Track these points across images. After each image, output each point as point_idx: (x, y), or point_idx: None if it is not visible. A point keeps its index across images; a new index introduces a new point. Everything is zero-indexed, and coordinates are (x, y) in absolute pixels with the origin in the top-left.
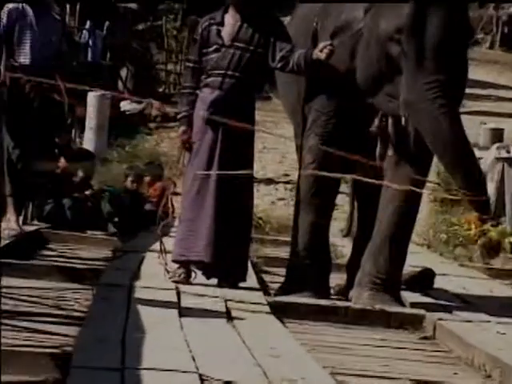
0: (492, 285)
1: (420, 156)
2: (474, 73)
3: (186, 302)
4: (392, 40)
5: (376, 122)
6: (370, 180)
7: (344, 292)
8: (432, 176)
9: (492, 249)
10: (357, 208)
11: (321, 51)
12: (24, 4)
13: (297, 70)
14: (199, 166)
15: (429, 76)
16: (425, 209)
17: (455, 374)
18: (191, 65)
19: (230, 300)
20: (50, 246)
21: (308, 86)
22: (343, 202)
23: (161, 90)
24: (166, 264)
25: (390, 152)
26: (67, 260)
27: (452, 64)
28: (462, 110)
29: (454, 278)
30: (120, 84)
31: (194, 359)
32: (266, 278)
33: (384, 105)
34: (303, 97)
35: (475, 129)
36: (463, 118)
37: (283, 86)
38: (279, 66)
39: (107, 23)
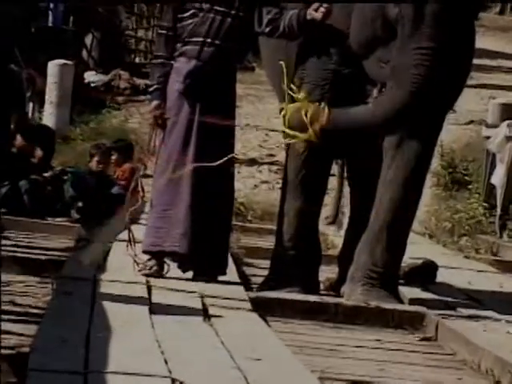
0: (501, 279)
1: (425, 133)
2: (482, 41)
3: (158, 297)
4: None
5: (375, 92)
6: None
7: (335, 287)
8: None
9: None
10: (350, 192)
11: (316, 11)
12: None
13: (288, 33)
14: (174, 145)
15: (420, 42)
16: (426, 194)
17: (460, 379)
18: (164, 31)
19: (207, 296)
20: (4, 233)
21: (300, 53)
22: (331, 184)
23: (130, 59)
24: (135, 255)
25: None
26: (24, 250)
27: (451, 34)
28: (468, 82)
29: (458, 271)
30: (84, 52)
31: (166, 362)
32: (248, 271)
33: (374, 70)
34: (294, 66)
35: (483, 104)
36: (470, 91)
37: (269, 54)
38: (267, 30)
39: None
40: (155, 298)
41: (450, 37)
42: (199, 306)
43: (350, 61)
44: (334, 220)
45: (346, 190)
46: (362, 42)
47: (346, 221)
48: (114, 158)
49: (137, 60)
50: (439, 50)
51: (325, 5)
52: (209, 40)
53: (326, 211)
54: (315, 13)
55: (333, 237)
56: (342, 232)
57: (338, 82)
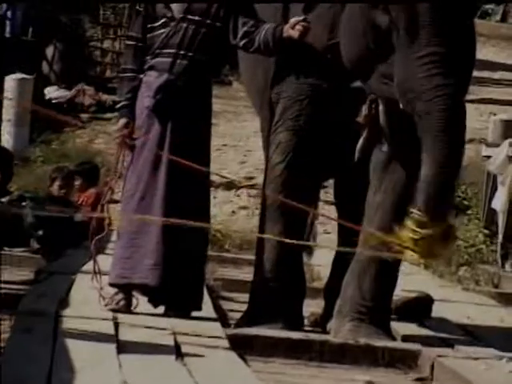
0: (503, 313)
1: (416, 153)
2: (482, 51)
3: (126, 334)
4: (377, 8)
5: (364, 110)
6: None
7: (321, 323)
8: None
9: None
10: (338, 217)
11: (292, 28)
12: None
13: (263, 49)
14: (143, 167)
15: (422, 48)
16: None
17: None
18: (133, 42)
19: (180, 333)
20: None
21: (277, 67)
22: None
23: (95, 72)
24: (101, 288)
25: (383, 147)
26: None
27: (453, 34)
28: (466, 97)
29: (456, 304)
30: (45, 65)
31: None
32: (225, 305)
33: (378, 88)
34: (271, 81)
35: (483, 120)
36: (468, 107)
37: (247, 68)
38: (242, 43)
39: None
40: (123, 336)
41: (452, 39)
42: (171, 343)
43: (330, 75)
44: (310, 252)
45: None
46: (357, 59)
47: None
48: (77, 182)
49: (103, 74)
50: (445, 55)
51: (303, 22)
52: (182, 52)
53: None
54: (292, 30)
55: (318, 267)
56: (322, 260)
57: (318, 98)
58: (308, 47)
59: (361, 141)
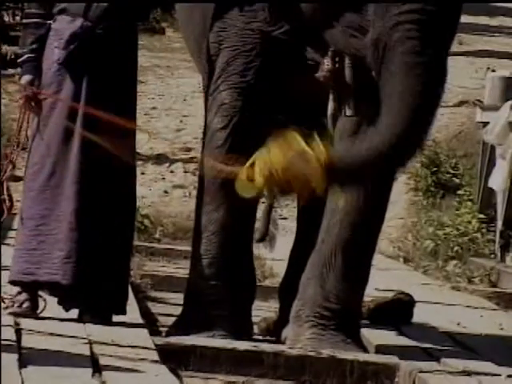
0: (502, 318)
1: None
2: None
3: (31, 344)
4: None
5: (326, 63)
6: None
7: (274, 330)
8: None
9: None
10: (297, 202)
11: None
12: None
13: None
14: (53, 134)
15: (404, 4)
16: (400, 201)
17: None
18: None
19: (98, 342)
20: None
21: (218, 7)
22: None
23: None
24: None
25: (347, 111)
26: None
27: None
28: (458, 49)
29: (443, 307)
30: None
31: None
32: (155, 308)
33: (342, 40)
34: (210, 25)
35: (478, 78)
36: (460, 61)
37: (183, 8)
38: None
39: None
40: (27, 345)
41: None
42: (87, 355)
43: (283, 19)
44: (264, 236)
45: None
46: (322, 5)
47: (281, 238)
48: None
49: (5, 18)
50: (430, 14)
51: None
52: None
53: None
54: None
55: (271, 261)
56: (277, 253)
57: (268, 48)
58: None
59: (330, 104)
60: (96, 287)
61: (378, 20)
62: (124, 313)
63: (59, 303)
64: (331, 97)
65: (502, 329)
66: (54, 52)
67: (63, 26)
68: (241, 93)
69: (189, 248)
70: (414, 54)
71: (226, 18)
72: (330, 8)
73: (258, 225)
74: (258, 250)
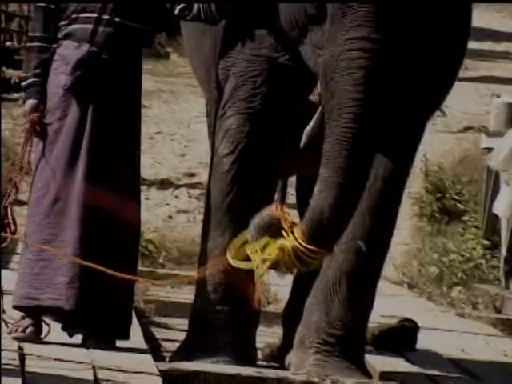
0: (506, 344)
1: (396, 146)
2: (483, 18)
3: (35, 369)
4: None
5: (318, 86)
6: None
7: (278, 356)
8: (417, 177)
9: None
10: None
11: None
12: None
13: (204, 16)
14: (58, 159)
15: (353, 28)
16: (405, 228)
17: None
18: (42, 4)
19: (102, 367)
20: None
21: (227, 35)
22: None
23: None
24: (3, 311)
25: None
26: None
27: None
28: (462, 74)
29: (448, 334)
30: None
31: None
32: (159, 333)
33: (312, 59)
34: (219, 52)
35: (483, 104)
36: (465, 87)
37: (191, 35)
38: (177, 10)
39: None
40: (31, 370)
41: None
42: (91, 380)
43: (289, 46)
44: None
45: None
46: (292, 20)
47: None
48: None
49: (8, 44)
50: (383, 43)
51: None
52: (105, 16)
53: None
54: None
55: (275, 287)
56: (289, 281)
57: (275, 74)
58: (261, 10)
59: (312, 122)
60: (100, 312)
61: (329, 43)
62: (128, 338)
63: (63, 328)
64: (316, 115)
65: (506, 355)
66: (59, 77)
67: (69, 52)
68: (248, 118)
69: (193, 273)
70: (352, 89)
71: (234, 45)
72: (298, 24)
73: None
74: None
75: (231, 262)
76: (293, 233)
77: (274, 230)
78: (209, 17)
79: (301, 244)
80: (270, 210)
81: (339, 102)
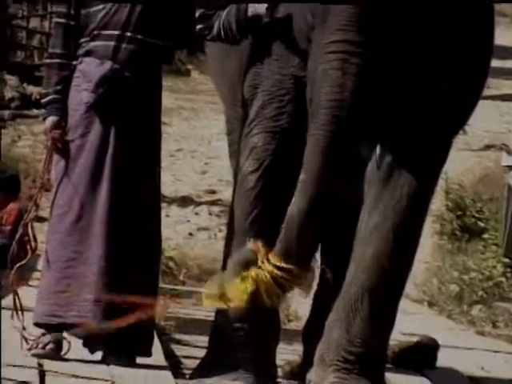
0: None
1: (422, 162)
2: (505, 35)
3: None
4: None
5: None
6: None
7: (299, 373)
8: (438, 195)
9: None
10: (321, 242)
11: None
12: None
13: (224, 36)
14: (80, 176)
15: (334, 32)
16: (426, 246)
17: None
18: (63, 20)
19: None
20: None
21: (252, 55)
22: None
23: (19, 58)
24: (23, 328)
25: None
26: None
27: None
28: (484, 92)
29: (468, 352)
30: None
31: None
32: (179, 350)
33: (308, 66)
34: (244, 71)
35: (504, 122)
36: (486, 105)
37: (216, 54)
38: (198, 30)
39: None
40: None
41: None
42: None
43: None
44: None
45: None
46: (301, 33)
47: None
48: None
49: (28, 60)
50: (366, 46)
51: None
52: (128, 34)
53: None
54: (258, 6)
55: (296, 304)
56: (309, 298)
57: (301, 92)
58: (290, 29)
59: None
60: (123, 329)
61: (313, 48)
62: (149, 355)
63: (85, 345)
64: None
65: None
66: (81, 94)
67: (91, 69)
68: (273, 137)
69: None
70: (330, 90)
71: (261, 64)
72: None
73: None
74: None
75: (203, 302)
76: (268, 259)
77: (251, 263)
78: (229, 37)
79: (276, 266)
80: (247, 246)
81: (317, 103)
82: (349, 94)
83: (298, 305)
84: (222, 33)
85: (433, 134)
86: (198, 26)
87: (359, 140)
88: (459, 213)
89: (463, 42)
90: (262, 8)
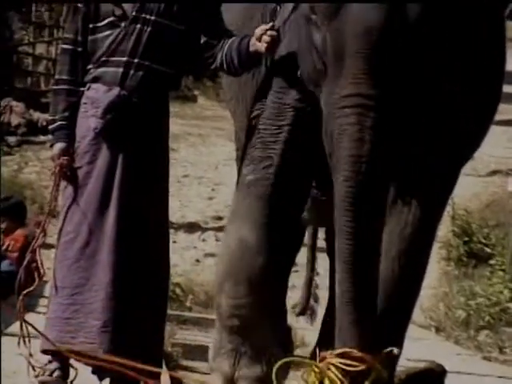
0: None
1: (430, 188)
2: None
3: None
4: (310, 20)
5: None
6: None
7: None
8: (444, 221)
9: None
10: (329, 268)
11: (259, 40)
12: None
13: (226, 67)
14: (88, 203)
15: (347, 86)
16: (433, 271)
17: None
18: (70, 47)
19: None
20: None
21: (261, 84)
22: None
23: (26, 85)
24: (30, 355)
25: None
26: None
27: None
28: (497, 117)
29: (475, 378)
30: None
31: None
32: (186, 377)
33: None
34: (252, 100)
35: (511, 147)
36: (493, 130)
37: (233, 82)
38: (203, 58)
39: None
40: None
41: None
42: None
43: (313, 96)
44: (305, 309)
45: (322, 266)
46: (308, 77)
47: (321, 310)
48: (3, 225)
49: (35, 86)
50: (380, 98)
51: (269, 32)
52: (135, 60)
53: (294, 298)
54: (258, 43)
55: (303, 330)
56: (317, 324)
57: (299, 122)
58: (293, 67)
59: None
60: (131, 356)
61: (326, 103)
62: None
63: (93, 372)
64: None
65: None
66: (89, 120)
67: (99, 95)
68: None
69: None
70: (348, 146)
71: (266, 93)
72: (314, 81)
73: (298, 299)
74: (298, 323)
75: None
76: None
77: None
78: (231, 69)
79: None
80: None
81: (337, 159)
82: (368, 148)
83: (305, 331)
84: (225, 65)
85: (443, 160)
86: (205, 54)
87: (386, 187)
88: (466, 238)
89: (477, 71)
90: (262, 47)
